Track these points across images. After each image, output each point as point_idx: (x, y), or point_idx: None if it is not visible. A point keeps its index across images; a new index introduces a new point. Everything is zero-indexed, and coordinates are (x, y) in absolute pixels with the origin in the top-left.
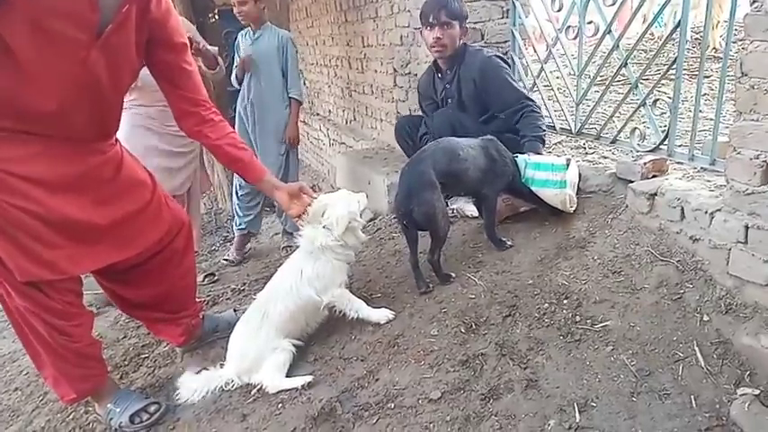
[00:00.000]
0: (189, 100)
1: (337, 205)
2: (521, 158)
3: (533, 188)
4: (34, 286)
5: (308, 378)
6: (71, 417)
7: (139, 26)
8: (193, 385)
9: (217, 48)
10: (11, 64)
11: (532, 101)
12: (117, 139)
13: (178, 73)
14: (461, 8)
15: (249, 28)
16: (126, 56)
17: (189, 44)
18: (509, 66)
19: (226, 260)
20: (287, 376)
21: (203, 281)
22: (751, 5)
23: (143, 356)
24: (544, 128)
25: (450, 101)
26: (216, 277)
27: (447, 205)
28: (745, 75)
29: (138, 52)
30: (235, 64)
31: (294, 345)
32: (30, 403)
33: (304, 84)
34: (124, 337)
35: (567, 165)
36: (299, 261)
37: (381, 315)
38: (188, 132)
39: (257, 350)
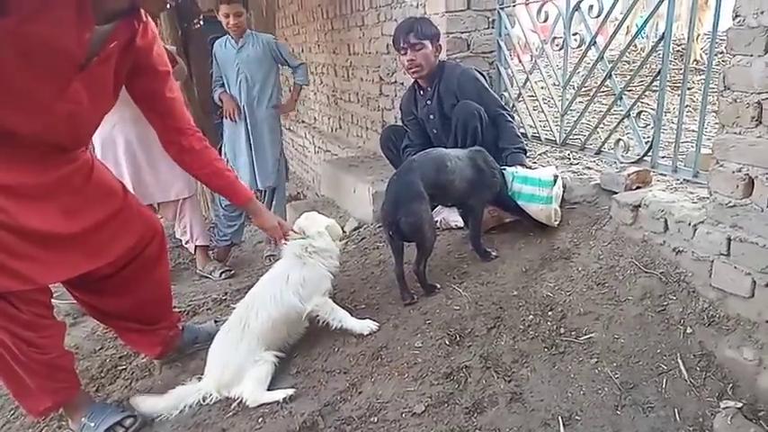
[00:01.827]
0: (172, 128)
1: (317, 218)
2: (508, 171)
3: (519, 202)
4: (1, 297)
5: (290, 391)
6: None
7: (123, 57)
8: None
9: (175, 47)
10: None
11: (507, 110)
12: (87, 148)
13: (160, 101)
14: (430, 28)
15: (227, 37)
16: (107, 85)
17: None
18: (485, 78)
19: (210, 276)
20: (268, 389)
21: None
22: (733, 20)
23: (120, 368)
24: (521, 138)
25: (432, 117)
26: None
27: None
28: (728, 88)
29: (117, 80)
30: (215, 72)
31: (276, 356)
32: (0, 418)
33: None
34: (101, 348)
35: (555, 181)
36: (286, 267)
37: (365, 326)
38: (174, 159)
39: (238, 362)
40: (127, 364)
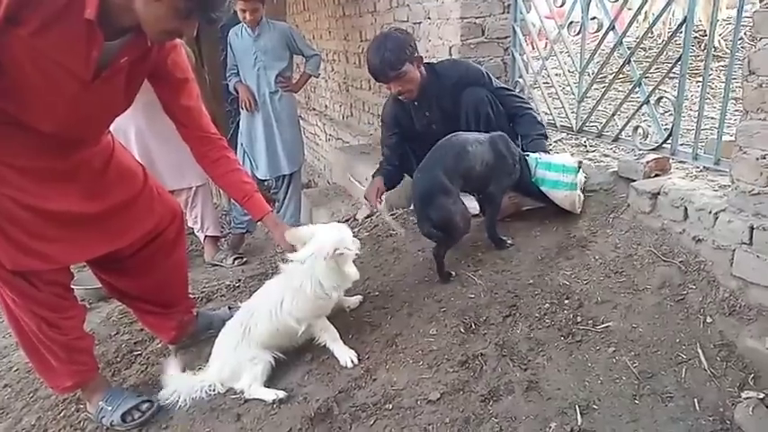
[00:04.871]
0: (191, 135)
1: (321, 236)
2: (531, 157)
3: (543, 188)
4: (22, 277)
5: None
6: (62, 414)
7: (136, 69)
8: (177, 387)
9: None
10: (8, 86)
11: (522, 97)
12: (109, 131)
13: (177, 108)
14: (402, 50)
15: (242, 26)
16: (118, 93)
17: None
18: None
19: (221, 263)
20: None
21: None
22: (760, 2)
23: (136, 353)
24: (543, 125)
25: (434, 126)
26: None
27: None
28: (753, 73)
29: (131, 89)
30: (229, 61)
31: (274, 356)
32: (19, 400)
33: None
34: (117, 333)
35: (579, 167)
36: (281, 290)
37: (346, 357)
38: (199, 164)
39: (237, 362)
40: (142, 350)
